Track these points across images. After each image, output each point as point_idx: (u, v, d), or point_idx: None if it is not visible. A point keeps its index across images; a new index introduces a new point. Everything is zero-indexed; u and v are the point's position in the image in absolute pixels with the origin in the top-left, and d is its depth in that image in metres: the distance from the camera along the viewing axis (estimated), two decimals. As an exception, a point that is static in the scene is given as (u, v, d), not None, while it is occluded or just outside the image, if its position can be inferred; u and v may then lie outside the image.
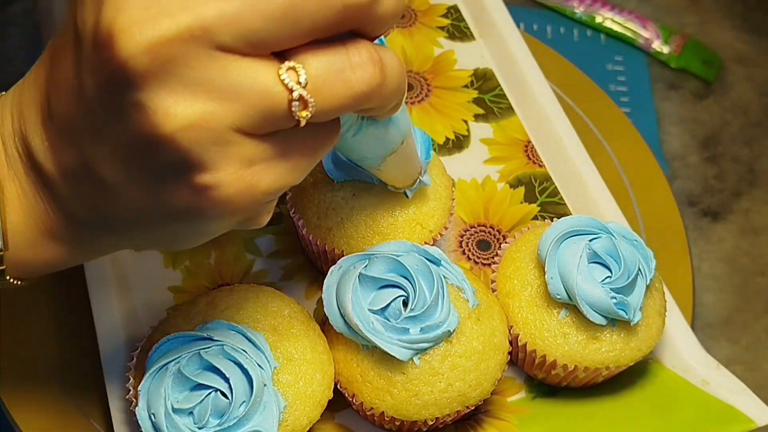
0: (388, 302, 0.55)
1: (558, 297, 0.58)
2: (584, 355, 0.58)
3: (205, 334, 0.53)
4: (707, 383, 0.61)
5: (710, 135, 0.83)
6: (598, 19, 0.91)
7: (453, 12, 0.82)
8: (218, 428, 0.51)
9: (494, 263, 0.63)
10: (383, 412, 0.56)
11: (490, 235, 0.69)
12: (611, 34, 0.92)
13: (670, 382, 0.61)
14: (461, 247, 0.68)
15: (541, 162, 0.73)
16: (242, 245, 0.66)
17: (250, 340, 0.53)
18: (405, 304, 0.55)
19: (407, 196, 0.61)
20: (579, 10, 0.91)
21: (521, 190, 0.72)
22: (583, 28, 0.93)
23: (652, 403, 0.60)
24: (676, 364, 0.62)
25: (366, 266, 0.56)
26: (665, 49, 0.88)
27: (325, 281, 0.56)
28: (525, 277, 0.60)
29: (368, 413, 0.57)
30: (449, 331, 0.54)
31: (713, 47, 0.89)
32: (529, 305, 0.59)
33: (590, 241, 0.58)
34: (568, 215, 0.70)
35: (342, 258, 0.57)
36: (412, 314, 0.54)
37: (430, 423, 0.56)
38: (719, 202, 0.79)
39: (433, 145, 0.61)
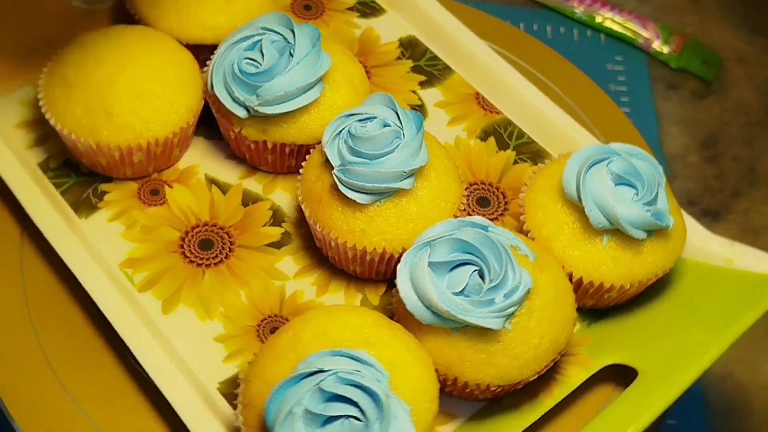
0: (466, 281, 0.56)
1: (600, 226, 0.61)
2: (635, 272, 0.62)
3: (314, 368, 0.52)
4: (731, 261, 0.66)
5: (710, 135, 0.83)
6: (598, 19, 0.91)
7: (355, -9, 0.82)
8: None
9: (509, 213, 0.66)
10: (488, 385, 0.57)
11: (484, 190, 0.71)
12: (611, 34, 0.92)
13: (703, 271, 0.66)
14: (464, 210, 0.70)
15: (497, 109, 0.76)
16: (266, 276, 0.65)
17: (356, 359, 0.53)
18: (481, 276, 0.57)
19: None
20: (579, 10, 0.91)
21: (491, 140, 0.74)
22: (583, 28, 0.93)
23: (695, 296, 0.65)
24: (696, 253, 0.67)
25: (430, 254, 0.57)
26: (665, 49, 0.89)
27: (398, 281, 0.57)
28: (558, 218, 0.63)
29: (467, 391, 0.59)
30: (529, 288, 0.56)
31: (713, 47, 0.89)
32: (572, 242, 0.62)
33: (608, 166, 0.62)
34: (542, 151, 0.73)
35: (403, 254, 0.58)
36: (492, 285, 0.56)
37: (532, 379, 0.58)
38: (719, 202, 0.79)
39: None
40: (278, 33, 0.66)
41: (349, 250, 0.63)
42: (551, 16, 0.94)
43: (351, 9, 0.81)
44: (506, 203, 0.71)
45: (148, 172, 0.68)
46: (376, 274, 0.65)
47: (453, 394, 0.60)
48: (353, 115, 0.63)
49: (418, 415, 0.54)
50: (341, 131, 0.63)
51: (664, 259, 0.63)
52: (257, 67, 0.65)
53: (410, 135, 0.62)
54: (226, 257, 0.66)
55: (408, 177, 0.61)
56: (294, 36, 0.65)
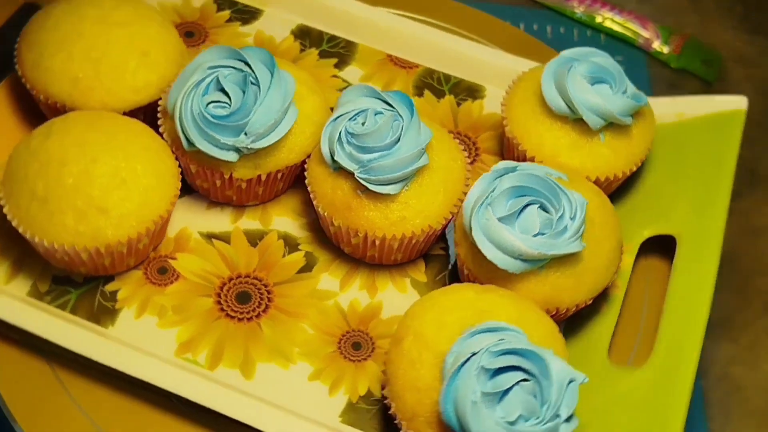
0: (537, 220, 0.59)
1: (598, 126, 0.65)
2: (634, 154, 0.67)
3: (466, 355, 0.53)
4: (682, 114, 0.73)
5: None
6: (598, 19, 0.90)
7: (223, 3, 0.79)
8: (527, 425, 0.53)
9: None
10: (585, 302, 0.61)
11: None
12: (611, 34, 0.91)
13: (667, 131, 0.72)
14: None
15: (413, 63, 0.78)
16: (316, 300, 0.64)
17: (493, 331, 0.55)
18: (544, 210, 0.60)
19: None
20: (579, 10, 0.89)
21: (427, 93, 0.76)
22: (583, 28, 0.91)
23: (674, 155, 0.71)
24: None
25: (493, 211, 0.59)
26: (665, 49, 0.87)
27: (480, 246, 0.59)
28: (552, 135, 0.66)
29: (561, 315, 0.62)
30: (585, 203, 0.60)
31: (713, 47, 0.87)
32: (575, 151, 0.66)
33: (578, 71, 0.66)
34: (474, 85, 0.77)
35: (459, 225, 0.60)
36: (558, 214, 0.59)
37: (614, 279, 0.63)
38: None
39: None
40: (228, 67, 0.63)
41: (395, 241, 0.63)
42: (551, 16, 0.92)
43: (230, 21, 0.79)
44: (474, 144, 0.74)
45: (148, 254, 0.64)
46: (416, 255, 0.67)
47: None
48: (340, 117, 0.63)
49: (559, 354, 0.57)
50: (339, 136, 0.62)
51: (649, 134, 0.69)
52: (227, 107, 0.62)
53: (407, 114, 0.63)
54: (269, 301, 0.64)
55: (424, 153, 0.62)
56: (248, 64, 0.63)
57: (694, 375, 0.59)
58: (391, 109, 0.63)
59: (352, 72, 0.77)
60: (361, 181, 0.61)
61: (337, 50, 0.78)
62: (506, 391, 0.53)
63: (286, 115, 0.63)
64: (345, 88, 0.76)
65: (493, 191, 0.60)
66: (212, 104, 0.63)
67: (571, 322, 0.65)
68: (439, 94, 0.76)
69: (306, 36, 0.79)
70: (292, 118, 0.63)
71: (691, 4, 0.90)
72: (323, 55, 0.78)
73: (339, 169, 0.63)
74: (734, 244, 0.77)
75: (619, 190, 0.71)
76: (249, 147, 0.62)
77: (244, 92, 0.62)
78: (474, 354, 0.54)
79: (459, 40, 0.78)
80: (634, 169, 0.68)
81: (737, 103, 0.72)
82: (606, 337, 0.64)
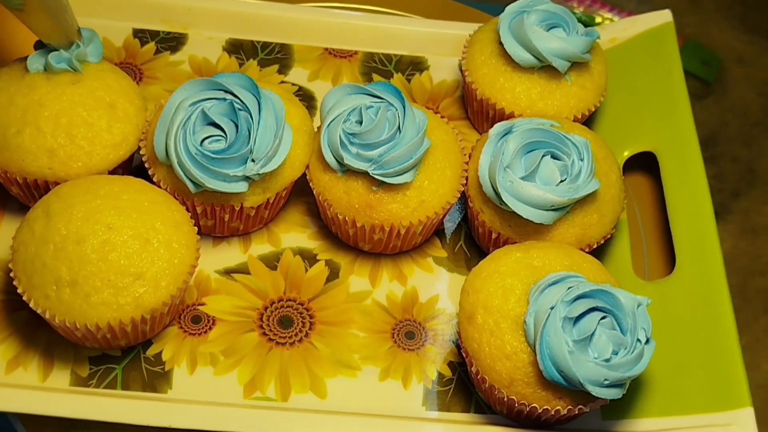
0: (556, 170, 0.62)
1: (565, 69, 0.68)
2: (599, 85, 0.71)
3: (546, 311, 0.55)
4: (615, 39, 0.77)
5: (709, 135, 0.82)
6: (598, 20, 0.88)
7: (144, 35, 0.76)
8: (619, 357, 0.56)
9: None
10: (610, 232, 0.65)
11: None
12: None
13: (609, 58, 0.76)
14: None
15: (351, 51, 0.78)
16: (354, 303, 0.65)
17: (562, 280, 0.57)
18: (556, 158, 0.62)
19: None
20: (579, 11, 0.87)
21: (376, 77, 0.77)
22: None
23: (622, 78, 0.76)
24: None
25: (512, 172, 0.61)
26: None
27: (517, 210, 0.60)
28: (525, 87, 0.69)
29: (594, 248, 0.65)
30: (588, 143, 0.63)
31: (713, 47, 0.87)
32: (548, 97, 0.69)
33: (532, 22, 0.68)
34: (414, 58, 0.78)
35: (475, 195, 0.61)
36: (571, 160, 0.62)
37: (624, 203, 0.67)
38: (718, 202, 0.78)
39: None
40: (209, 99, 0.62)
41: (420, 226, 0.64)
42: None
43: (158, 52, 0.76)
44: (438, 114, 0.75)
45: (181, 307, 0.62)
46: (432, 233, 0.68)
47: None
48: (333, 121, 0.63)
49: (614, 285, 0.60)
50: (341, 140, 0.62)
51: (604, 64, 0.72)
52: (223, 140, 0.61)
53: (399, 103, 0.63)
54: (311, 318, 0.64)
55: (425, 135, 0.63)
56: (228, 92, 0.62)
57: (724, 273, 0.63)
58: (380, 100, 0.63)
59: (297, 74, 0.76)
60: (377, 176, 0.62)
61: (275, 56, 0.77)
62: (593, 334, 0.56)
63: (284, 134, 0.62)
64: (297, 91, 0.75)
65: (503, 155, 0.62)
66: (206, 140, 0.61)
67: (593, 254, 0.69)
68: (388, 75, 0.77)
69: (239, 49, 0.77)
70: (289, 133, 0.63)
71: (690, 4, 0.91)
72: (263, 63, 0.77)
73: (347, 172, 0.63)
74: (733, 244, 0.79)
75: (587, 121, 0.74)
76: (259, 173, 0.61)
77: (234, 120, 0.61)
78: (552, 308, 0.56)
79: (387, 18, 0.79)
80: (603, 99, 0.71)
81: (663, 17, 0.77)
82: (626, 258, 0.68)
